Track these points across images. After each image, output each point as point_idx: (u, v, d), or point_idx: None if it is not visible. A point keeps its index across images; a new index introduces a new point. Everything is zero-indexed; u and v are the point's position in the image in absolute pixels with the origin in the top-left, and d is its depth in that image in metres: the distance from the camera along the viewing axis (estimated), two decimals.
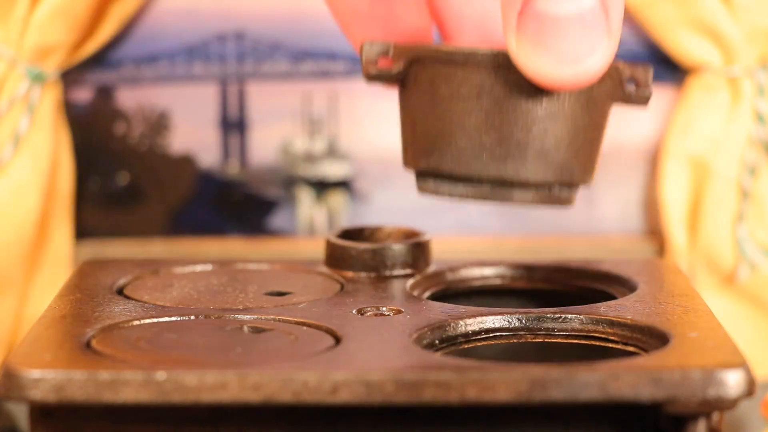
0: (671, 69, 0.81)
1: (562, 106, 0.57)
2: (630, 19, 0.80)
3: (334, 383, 0.47)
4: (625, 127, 0.83)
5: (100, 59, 0.81)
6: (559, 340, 0.56)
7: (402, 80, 0.59)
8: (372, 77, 0.59)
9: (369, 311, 0.57)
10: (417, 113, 0.58)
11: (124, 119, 0.83)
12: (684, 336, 0.52)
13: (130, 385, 0.47)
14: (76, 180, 0.82)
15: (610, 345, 0.55)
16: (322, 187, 0.83)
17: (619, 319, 0.55)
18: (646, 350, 0.54)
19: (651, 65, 0.60)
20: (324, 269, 0.66)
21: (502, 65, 0.56)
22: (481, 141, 0.57)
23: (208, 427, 0.51)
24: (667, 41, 0.79)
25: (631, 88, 0.59)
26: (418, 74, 0.58)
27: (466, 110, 0.57)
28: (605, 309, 0.57)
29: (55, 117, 0.80)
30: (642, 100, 0.59)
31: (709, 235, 0.80)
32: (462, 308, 0.58)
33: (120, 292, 0.62)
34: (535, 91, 0.56)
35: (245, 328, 0.54)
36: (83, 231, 0.83)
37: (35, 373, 0.48)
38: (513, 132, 0.57)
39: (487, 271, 0.64)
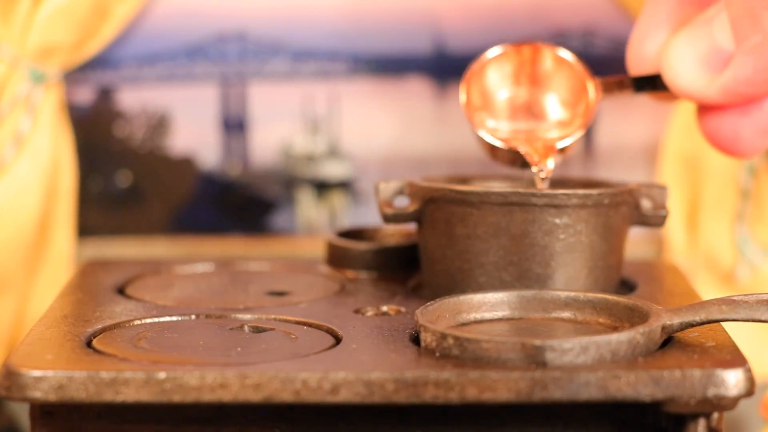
0: None
1: (579, 238, 0.57)
2: (629, 19, 0.80)
3: (335, 383, 0.48)
4: (625, 127, 0.83)
5: (101, 60, 0.81)
6: None
7: (418, 219, 0.60)
8: (388, 218, 0.60)
9: (369, 311, 0.57)
10: (435, 252, 0.59)
11: (125, 119, 0.83)
12: (684, 336, 0.52)
13: (131, 384, 0.47)
14: (77, 180, 0.82)
15: None
16: (322, 187, 0.83)
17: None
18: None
19: (666, 186, 0.61)
20: (324, 269, 0.66)
21: (516, 203, 0.57)
22: (500, 278, 0.58)
23: (209, 427, 0.51)
24: None
25: (647, 208, 0.59)
26: (433, 214, 0.59)
27: (483, 249, 0.58)
28: None
29: (57, 117, 0.80)
30: (659, 220, 0.60)
31: (709, 235, 0.80)
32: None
33: (121, 291, 0.62)
34: (551, 226, 0.57)
35: (246, 328, 0.54)
36: (85, 231, 0.83)
37: (36, 373, 0.48)
38: (532, 267, 0.58)
39: None
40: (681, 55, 0.53)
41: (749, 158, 0.59)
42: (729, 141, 0.56)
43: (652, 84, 0.58)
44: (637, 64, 0.59)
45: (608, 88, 0.60)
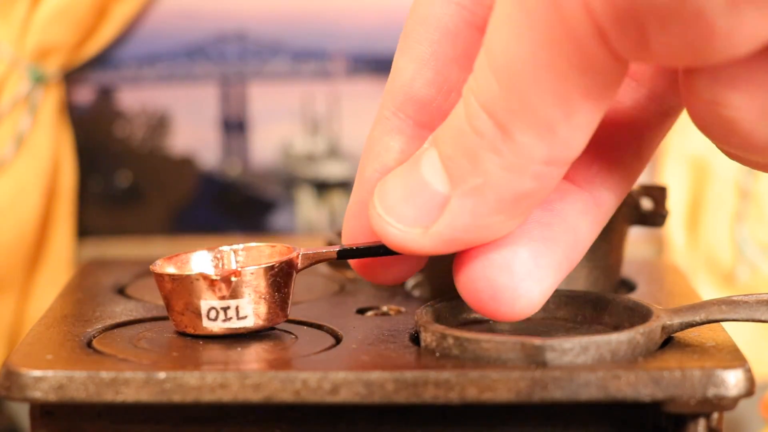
0: None
1: None
2: None
3: (335, 383, 0.47)
4: None
5: (101, 60, 0.81)
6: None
7: None
8: None
9: (369, 311, 0.57)
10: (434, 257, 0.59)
11: (125, 119, 0.83)
12: (684, 336, 0.52)
13: (131, 384, 0.47)
14: (77, 180, 0.82)
15: None
16: (322, 187, 0.83)
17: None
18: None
19: (666, 186, 0.60)
20: (324, 269, 0.66)
21: None
22: None
23: (209, 427, 0.51)
24: None
25: (647, 208, 0.59)
26: None
27: None
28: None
29: (57, 117, 0.80)
30: (659, 220, 0.59)
31: (709, 235, 0.80)
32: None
33: (121, 291, 0.62)
34: None
35: None
36: (85, 230, 0.83)
37: (36, 373, 0.48)
38: None
39: None
40: (390, 205, 0.44)
41: None
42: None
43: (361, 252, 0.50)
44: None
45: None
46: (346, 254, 0.50)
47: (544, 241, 0.44)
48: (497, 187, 0.41)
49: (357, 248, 0.49)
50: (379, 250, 0.48)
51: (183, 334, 0.52)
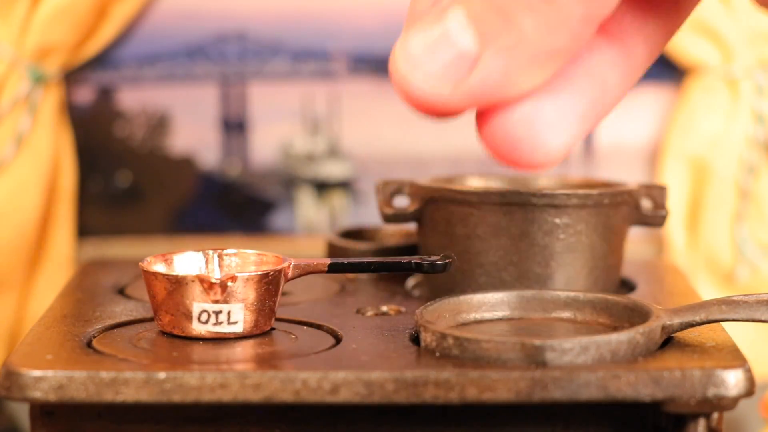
0: (671, 69, 0.81)
1: (579, 238, 0.57)
2: None
3: (335, 383, 0.47)
4: (625, 127, 0.83)
5: (101, 60, 0.81)
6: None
7: (418, 219, 0.60)
8: (388, 217, 0.60)
9: (369, 311, 0.57)
10: (436, 252, 0.59)
11: (125, 119, 0.83)
12: (684, 336, 0.52)
13: (131, 384, 0.47)
14: (77, 180, 0.82)
15: None
16: (322, 187, 0.83)
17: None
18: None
19: (666, 186, 0.60)
20: None
21: (516, 203, 0.57)
22: (500, 278, 0.58)
23: (209, 427, 0.51)
24: None
25: (647, 208, 0.59)
26: (433, 214, 0.59)
27: (483, 249, 0.58)
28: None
29: (56, 117, 0.80)
30: (659, 220, 0.60)
31: (709, 236, 0.80)
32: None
33: (121, 291, 0.62)
34: (551, 226, 0.57)
35: None
36: (85, 230, 0.83)
37: (36, 373, 0.48)
38: (532, 267, 0.58)
39: None
40: (415, 63, 0.43)
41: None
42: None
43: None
44: None
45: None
46: (337, 268, 0.51)
47: (567, 92, 0.44)
48: (532, 44, 0.41)
49: (348, 263, 0.51)
50: (370, 266, 0.50)
51: (172, 335, 0.52)
